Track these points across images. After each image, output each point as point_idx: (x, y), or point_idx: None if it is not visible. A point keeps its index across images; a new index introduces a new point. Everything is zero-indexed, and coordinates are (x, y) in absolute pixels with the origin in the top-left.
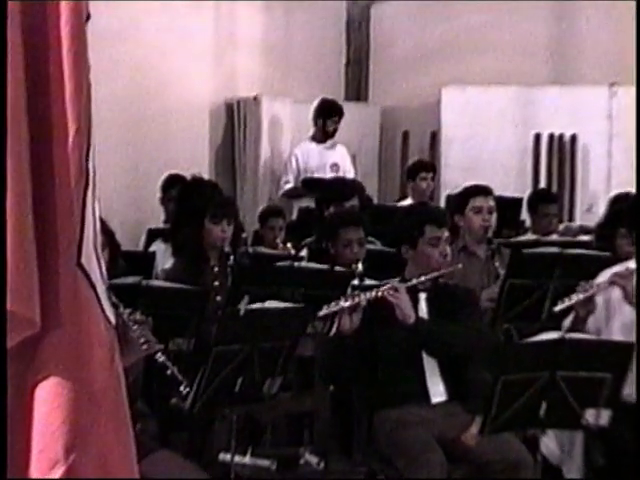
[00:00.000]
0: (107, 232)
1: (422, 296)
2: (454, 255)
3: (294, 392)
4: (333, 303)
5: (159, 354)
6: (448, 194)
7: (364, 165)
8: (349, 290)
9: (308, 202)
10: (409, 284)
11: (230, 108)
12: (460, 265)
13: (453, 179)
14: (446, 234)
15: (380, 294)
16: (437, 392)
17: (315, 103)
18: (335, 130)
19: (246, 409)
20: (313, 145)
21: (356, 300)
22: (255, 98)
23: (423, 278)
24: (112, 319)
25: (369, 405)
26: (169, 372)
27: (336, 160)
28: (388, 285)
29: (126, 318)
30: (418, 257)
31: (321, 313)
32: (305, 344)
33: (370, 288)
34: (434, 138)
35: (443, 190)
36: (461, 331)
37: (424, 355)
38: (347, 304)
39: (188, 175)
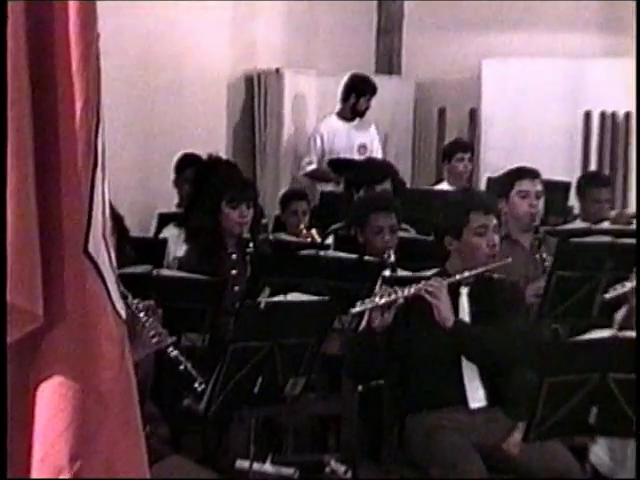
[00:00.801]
0: (115, 216)
1: (464, 291)
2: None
3: (319, 393)
4: (368, 300)
5: (171, 348)
6: (489, 177)
7: (396, 145)
8: (379, 282)
9: (332, 186)
10: (451, 280)
11: (250, 81)
12: (510, 259)
13: (493, 161)
14: (494, 222)
15: (419, 291)
16: (476, 396)
17: (345, 78)
18: (367, 109)
19: (266, 412)
20: (340, 123)
21: (392, 297)
22: (277, 70)
23: (467, 274)
24: (122, 313)
25: (401, 408)
26: (182, 367)
27: (364, 141)
28: (428, 282)
29: (134, 308)
30: (463, 248)
31: (354, 310)
32: (331, 341)
33: (405, 281)
34: (473, 116)
35: (482, 173)
36: (504, 336)
37: (463, 357)
38: (383, 301)
39: (204, 154)
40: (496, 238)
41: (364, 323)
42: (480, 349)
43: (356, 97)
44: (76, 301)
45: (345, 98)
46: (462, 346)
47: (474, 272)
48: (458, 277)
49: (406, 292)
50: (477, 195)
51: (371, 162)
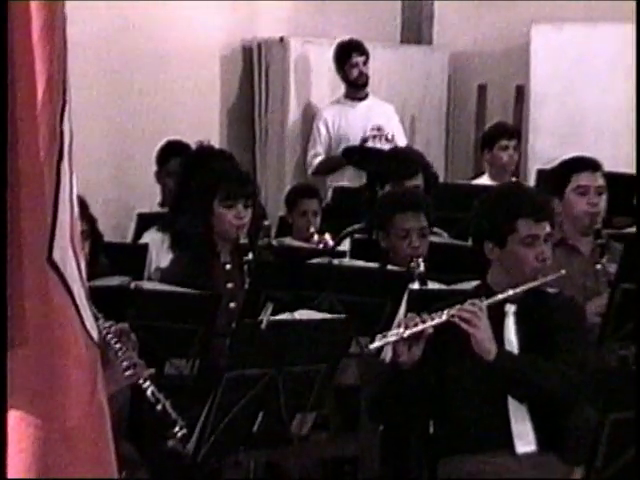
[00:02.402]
0: (85, 218)
1: (510, 309)
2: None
3: (332, 432)
4: (391, 332)
5: (147, 383)
6: (539, 169)
7: (426, 130)
8: (406, 297)
9: (345, 179)
10: (492, 301)
11: (248, 53)
12: (564, 271)
13: (545, 149)
14: (547, 229)
15: (452, 318)
16: (524, 438)
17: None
18: (362, 75)
19: (268, 454)
20: (348, 104)
21: (419, 327)
22: (281, 40)
23: (512, 292)
24: (94, 334)
25: (432, 451)
26: (159, 407)
27: (379, 122)
28: (463, 306)
29: (105, 333)
30: (507, 259)
31: (372, 346)
32: (347, 369)
33: (437, 296)
34: (520, 94)
35: (531, 164)
36: (559, 368)
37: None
38: (408, 333)
39: (192, 142)
40: (547, 250)
41: (388, 355)
42: (529, 387)
43: (342, 63)
44: (39, 320)
45: (338, 71)
46: (507, 383)
47: (522, 288)
48: (501, 297)
49: (437, 320)
50: (527, 195)
51: (400, 152)
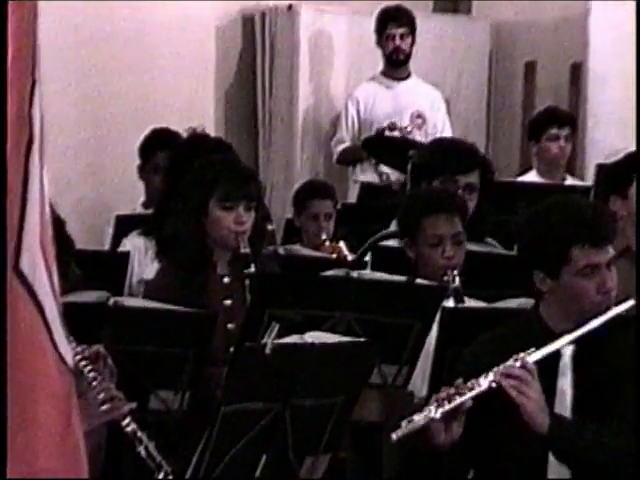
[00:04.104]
0: (54, 220)
1: (566, 352)
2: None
3: (350, 477)
4: (419, 416)
5: (126, 420)
6: (599, 164)
7: (464, 115)
8: (438, 315)
9: (374, 175)
10: (544, 353)
11: (249, 24)
12: (632, 301)
13: (606, 139)
14: (609, 254)
15: (494, 385)
16: None
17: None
18: (398, 51)
19: None
20: (384, 84)
21: (455, 403)
22: (290, 8)
23: (568, 337)
24: (68, 359)
25: None
26: (141, 450)
27: (421, 108)
28: (508, 366)
29: (77, 359)
30: (562, 293)
31: (395, 435)
32: (367, 403)
33: (476, 317)
34: (576, 73)
35: (590, 156)
36: (620, 447)
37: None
38: (440, 413)
39: (183, 131)
40: (612, 278)
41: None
42: (583, 461)
43: (378, 35)
44: (3, 342)
45: (377, 44)
46: (558, 453)
47: (575, 335)
48: (553, 348)
49: (476, 390)
50: (580, 216)
51: (452, 142)
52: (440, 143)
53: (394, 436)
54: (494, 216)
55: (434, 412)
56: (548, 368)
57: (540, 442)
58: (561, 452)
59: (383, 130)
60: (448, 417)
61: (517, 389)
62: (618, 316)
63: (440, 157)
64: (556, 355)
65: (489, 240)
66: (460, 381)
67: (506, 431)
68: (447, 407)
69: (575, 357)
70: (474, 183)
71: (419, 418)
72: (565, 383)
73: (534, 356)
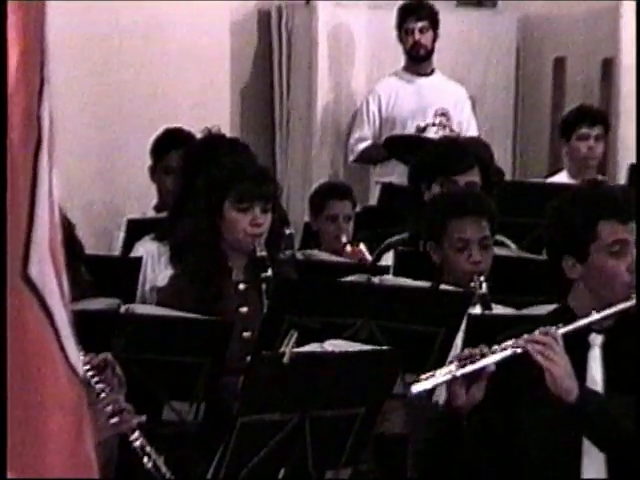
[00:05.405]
0: (63, 225)
1: (596, 340)
2: None
3: None
4: (442, 371)
5: (136, 434)
6: (632, 164)
7: (490, 114)
8: (464, 324)
9: (397, 175)
10: (570, 328)
11: (266, 19)
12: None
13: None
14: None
15: (520, 350)
16: None
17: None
18: (417, 45)
19: None
20: (406, 79)
21: (477, 365)
22: (307, 2)
23: (596, 316)
24: (79, 368)
25: None
26: (149, 463)
27: (445, 105)
28: (532, 335)
29: (84, 369)
30: (591, 276)
31: (416, 389)
32: (390, 413)
33: (505, 323)
34: (607, 69)
35: (622, 156)
36: None
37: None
38: (462, 372)
39: (197, 131)
40: None
41: (442, 397)
42: (617, 437)
43: (398, 29)
44: (13, 352)
45: (400, 38)
46: (589, 430)
47: (605, 313)
48: (581, 323)
49: (500, 354)
50: (606, 193)
51: (449, 141)
52: (436, 146)
53: (414, 389)
54: (521, 218)
55: (456, 370)
56: (577, 358)
57: (572, 440)
58: (590, 422)
59: (424, 129)
60: (469, 379)
61: (543, 354)
62: None
63: (435, 160)
64: (586, 345)
65: (500, 238)
66: (485, 346)
67: (532, 411)
68: (470, 367)
69: (605, 346)
70: (474, 181)
71: (441, 373)
72: (596, 372)
73: (561, 330)
